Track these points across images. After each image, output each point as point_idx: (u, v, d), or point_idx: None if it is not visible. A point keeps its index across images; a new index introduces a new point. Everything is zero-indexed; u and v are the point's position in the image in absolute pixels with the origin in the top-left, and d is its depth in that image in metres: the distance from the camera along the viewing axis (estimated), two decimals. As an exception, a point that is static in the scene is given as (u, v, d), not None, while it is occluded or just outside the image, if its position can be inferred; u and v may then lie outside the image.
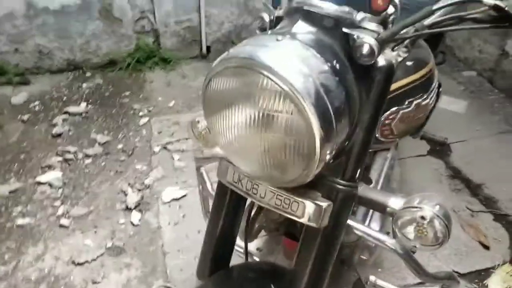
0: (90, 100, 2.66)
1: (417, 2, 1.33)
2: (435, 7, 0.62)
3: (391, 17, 0.69)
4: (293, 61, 0.54)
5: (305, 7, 0.60)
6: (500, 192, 2.05)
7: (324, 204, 0.66)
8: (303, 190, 0.67)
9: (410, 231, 0.68)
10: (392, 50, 0.68)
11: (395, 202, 0.69)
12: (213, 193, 1.14)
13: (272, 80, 0.52)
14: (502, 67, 2.74)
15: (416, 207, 0.66)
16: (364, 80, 0.61)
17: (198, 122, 0.86)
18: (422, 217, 0.65)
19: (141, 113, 2.56)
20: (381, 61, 0.61)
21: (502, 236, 1.83)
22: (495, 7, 0.62)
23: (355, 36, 0.59)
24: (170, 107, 2.64)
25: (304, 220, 0.67)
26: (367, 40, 0.58)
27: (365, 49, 0.58)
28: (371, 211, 1.22)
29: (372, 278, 0.96)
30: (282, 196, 0.67)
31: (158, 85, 2.86)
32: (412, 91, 0.89)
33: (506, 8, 0.61)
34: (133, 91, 2.78)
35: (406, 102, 0.88)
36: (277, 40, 0.56)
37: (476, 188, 2.08)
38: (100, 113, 2.55)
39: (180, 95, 2.76)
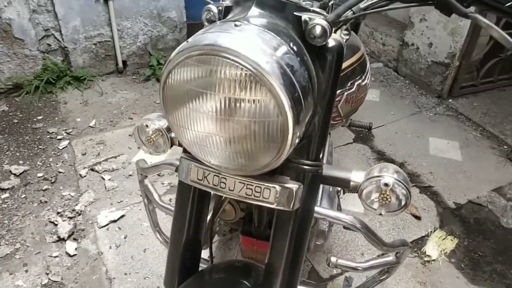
0: (-3, 130, 2.39)
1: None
2: (372, -13, 0.67)
3: (331, 2, 0.73)
4: (256, 43, 0.53)
5: (256, -5, 0.61)
6: (420, 167, 2.26)
7: (295, 186, 0.66)
8: (271, 176, 0.67)
9: (375, 200, 0.71)
10: (335, 32, 0.72)
11: (357, 176, 0.72)
12: (162, 204, 1.10)
13: (239, 63, 0.52)
14: (404, 56, 3.04)
15: (378, 176, 0.70)
16: (318, 61, 0.63)
17: (147, 126, 0.82)
18: (386, 184, 0.68)
19: (59, 137, 2.37)
20: (331, 41, 0.63)
21: (429, 205, 2.01)
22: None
23: (307, 18, 0.60)
24: (91, 127, 2.47)
25: (276, 206, 0.67)
26: (318, 22, 0.60)
27: (318, 30, 0.60)
28: (321, 192, 1.26)
29: (333, 258, 0.99)
30: (252, 185, 0.66)
31: (74, 106, 2.67)
32: (352, 73, 0.94)
33: (430, -14, 0.68)
34: (46, 114, 2.56)
35: (349, 84, 0.93)
36: (235, 25, 0.55)
37: (400, 166, 2.22)
38: (11, 142, 2.30)
39: (100, 113, 2.60)
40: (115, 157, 2.21)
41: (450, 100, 2.84)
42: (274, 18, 0.61)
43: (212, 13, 0.65)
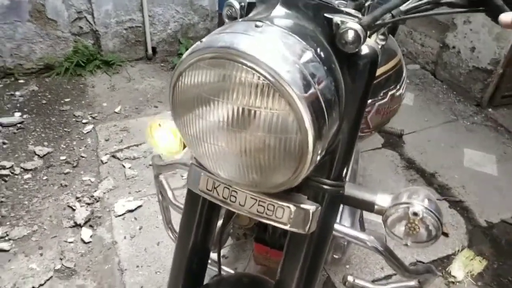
0: (25, 109, 2.42)
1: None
2: (414, -10, 0.59)
3: (367, 3, 0.64)
4: (277, 49, 0.47)
5: (283, -9, 0.54)
6: (452, 179, 2.13)
7: (312, 207, 0.60)
8: (287, 194, 0.61)
9: (401, 228, 0.64)
10: (369, 37, 0.64)
11: (383, 199, 0.65)
12: (175, 202, 1.05)
13: (256, 71, 0.45)
14: (443, 60, 2.87)
15: (406, 203, 0.62)
16: (348, 70, 0.56)
17: (160, 125, 0.77)
18: (415, 213, 0.61)
19: (84, 121, 2.37)
20: (365, 48, 0.56)
21: (459, 222, 1.89)
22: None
23: (338, 22, 0.53)
24: (116, 113, 2.47)
25: (290, 228, 0.60)
26: (352, 26, 0.52)
27: (350, 36, 0.53)
28: (341, 207, 1.19)
29: (350, 278, 0.92)
30: (265, 202, 0.60)
31: (102, 90, 2.67)
32: (386, 82, 0.86)
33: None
34: (73, 97, 2.58)
35: (381, 94, 0.85)
36: (256, 26, 0.49)
37: (430, 177, 2.14)
38: (38, 123, 2.32)
39: (126, 99, 2.60)
40: (137, 145, 2.20)
41: (490, 110, 2.66)
42: (301, 19, 0.54)
43: (233, 9, 0.59)
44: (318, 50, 0.52)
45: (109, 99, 2.59)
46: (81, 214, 1.77)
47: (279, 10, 0.54)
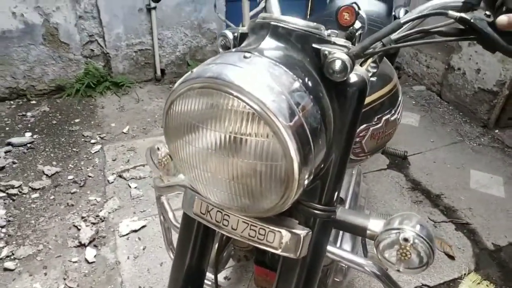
0: (36, 130, 2.48)
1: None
2: (402, 20, 0.60)
3: (358, 32, 0.66)
4: (264, 79, 0.49)
5: (273, 22, 0.56)
6: (458, 201, 2.11)
7: (303, 232, 0.61)
8: (278, 218, 0.62)
9: (393, 254, 0.64)
10: (361, 65, 0.66)
11: (375, 225, 0.65)
12: (176, 223, 1.06)
13: (242, 100, 0.47)
14: (448, 81, 2.88)
15: (398, 229, 0.62)
16: (336, 98, 0.57)
17: (158, 149, 0.79)
18: (405, 239, 0.61)
19: (93, 141, 2.42)
20: (353, 77, 0.58)
21: (465, 245, 1.86)
22: (461, 20, 0.61)
23: (326, 52, 0.55)
24: (124, 133, 2.51)
25: (281, 252, 0.61)
26: (339, 56, 0.54)
27: (338, 65, 0.54)
28: (341, 231, 1.19)
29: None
30: (256, 227, 0.61)
31: (111, 111, 2.73)
32: (380, 107, 0.87)
33: (471, 21, 0.60)
34: (83, 117, 2.64)
35: (375, 119, 0.86)
36: (245, 57, 0.51)
37: (436, 199, 2.12)
38: (47, 143, 2.37)
39: (134, 119, 2.65)
40: (143, 165, 2.22)
41: (497, 131, 2.65)
42: (289, 49, 0.56)
43: (227, 39, 0.61)
44: (306, 79, 0.54)
45: (117, 119, 2.64)
46: (86, 233, 1.78)
47: (268, 41, 0.56)
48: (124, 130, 2.53)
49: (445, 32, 0.65)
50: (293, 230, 0.60)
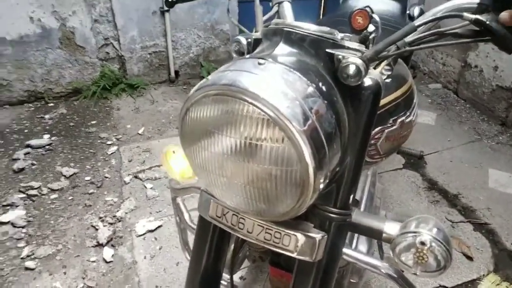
0: (54, 132, 2.53)
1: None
2: (417, 23, 0.60)
3: (372, 35, 0.66)
4: (278, 85, 0.49)
5: (286, 28, 0.57)
6: (476, 200, 2.08)
7: (318, 236, 0.61)
8: (294, 221, 0.62)
9: (409, 257, 0.64)
10: (374, 68, 0.65)
11: (391, 228, 0.65)
12: (192, 224, 1.08)
13: (257, 107, 0.48)
14: (465, 79, 2.83)
15: (414, 232, 0.62)
16: (351, 102, 0.58)
17: (174, 152, 0.80)
18: (422, 243, 0.61)
19: (109, 142, 2.46)
20: (368, 80, 0.57)
21: (484, 245, 1.83)
22: (476, 22, 0.61)
23: (340, 57, 0.55)
24: (139, 134, 2.55)
25: (297, 255, 0.61)
26: (353, 60, 0.54)
27: (352, 70, 0.54)
28: (356, 232, 1.18)
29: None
30: (272, 230, 0.62)
31: (126, 112, 2.77)
32: (395, 109, 0.86)
33: (487, 22, 0.60)
34: (99, 119, 2.68)
35: (391, 121, 0.86)
36: (259, 64, 0.51)
37: (453, 199, 2.09)
38: (65, 145, 2.42)
39: (149, 121, 2.68)
40: (158, 166, 2.25)
41: (516, 129, 2.59)
42: (303, 55, 0.56)
43: (241, 45, 0.62)
44: (320, 84, 0.54)
45: (133, 121, 2.68)
46: (104, 233, 1.82)
47: (282, 48, 0.57)
48: (140, 131, 2.56)
49: (460, 34, 0.64)
50: (309, 234, 0.61)
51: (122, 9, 2.67)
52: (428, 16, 0.62)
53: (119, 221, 1.90)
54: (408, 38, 0.62)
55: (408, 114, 0.91)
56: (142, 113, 2.76)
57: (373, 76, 0.58)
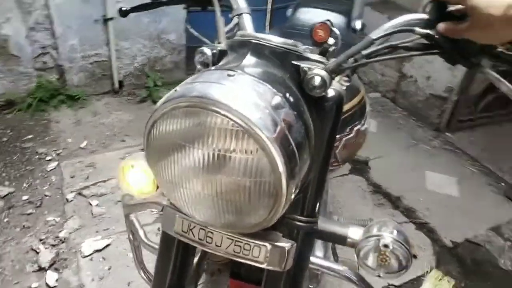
0: (-15, 148, 2.33)
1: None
2: (373, 37, 0.63)
3: (331, 48, 0.69)
4: (249, 96, 0.49)
5: (254, 41, 0.57)
6: (416, 202, 2.21)
7: (287, 245, 0.61)
8: (262, 232, 0.62)
9: (373, 260, 0.66)
10: (334, 79, 0.68)
11: (354, 233, 0.67)
12: (147, 241, 1.04)
13: (229, 118, 0.47)
14: (402, 88, 3.03)
15: (377, 235, 0.65)
16: (316, 112, 0.59)
17: (132, 166, 0.77)
18: (385, 245, 0.63)
19: (48, 158, 2.30)
20: (331, 91, 0.60)
21: (426, 243, 1.96)
22: (426, 36, 0.65)
23: (305, 68, 0.57)
24: (82, 148, 2.41)
25: (267, 266, 0.61)
26: (318, 72, 0.56)
27: (317, 81, 0.56)
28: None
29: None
30: (241, 242, 0.61)
31: (66, 125, 2.61)
32: (351, 118, 0.90)
33: (436, 37, 0.65)
34: (36, 133, 2.50)
35: (347, 129, 0.89)
36: (229, 75, 0.51)
37: (396, 201, 2.21)
38: (-2, 162, 2.23)
39: (92, 134, 2.55)
40: (104, 181, 2.15)
41: (448, 134, 2.81)
42: (270, 66, 0.57)
43: (205, 56, 0.61)
44: (287, 95, 0.55)
45: (74, 134, 2.53)
46: (46, 256, 1.69)
47: (250, 59, 0.57)
48: (82, 145, 2.43)
49: (411, 47, 0.69)
50: (278, 244, 0.61)
51: (61, 16, 2.53)
52: (383, 30, 0.66)
53: (63, 242, 1.78)
54: (365, 51, 0.65)
55: (362, 122, 0.95)
56: (84, 126, 2.62)
57: (336, 87, 0.61)
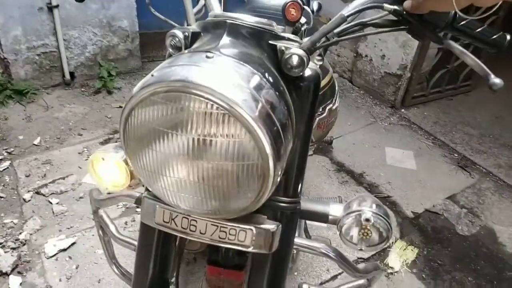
0: None
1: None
2: (346, 13, 0.63)
3: (304, 27, 0.68)
4: (232, 78, 0.48)
5: (229, 21, 0.55)
6: (378, 177, 2.30)
7: (273, 227, 0.61)
8: (247, 216, 0.61)
9: (355, 235, 0.68)
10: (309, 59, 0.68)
11: (335, 210, 0.68)
12: (119, 236, 1.00)
13: (213, 102, 0.46)
14: (358, 67, 3.10)
15: (357, 211, 0.66)
16: (295, 92, 0.59)
17: (103, 159, 0.73)
18: (367, 219, 0.65)
19: (-1, 157, 2.16)
20: (308, 71, 0.59)
21: (390, 216, 2.04)
22: (395, 12, 0.66)
23: (283, 48, 0.56)
24: (36, 145, 2.28)
25: (253, 249, 0.61)
26: (295, 51, 0.55)
27: (295, 60, 0.55)
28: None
29: (305, 286, 0.95)
30: (226, 227, 0.60)
31: (16, 122, 2.45)
32: (323, 98, 0.91)
33: (404, 13, 0.66)
34: (-17, 132, 2.34)
35: (320, 109, 0.90)
36: (207, 57, 0.49)
37: (359, 177, 2.29)
38: None
39: (45, 129, 2.42)
40: (63, 178, 2.05)
41: (403, 110, 2.92)
42: (247, 47, 0.56)
43: (177, 39, 0.59)
44: (267, 75, 0.54)
45: (25, 131, 2.38)
46: (7, 261, 1.60)
47: (226, 40, 0.55)
48: (35, 142, 2.30)
49: (380, 24, 0.70)
50: (264, 226, 0.61)
51: (0, 5, 2.35)
52: (354, 7, 0.66)
53: (24, 245, 1.69)
54: (336, 30, 0.66)
55: (334, 101, 0.96)
56: (36, 122, 2.48)
57: (313, 67, 0.60)
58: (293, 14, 0.62)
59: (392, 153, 2.51)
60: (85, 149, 2.28)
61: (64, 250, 1.68)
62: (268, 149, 0.48)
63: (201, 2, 0.75)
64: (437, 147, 2.61)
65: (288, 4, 0.62)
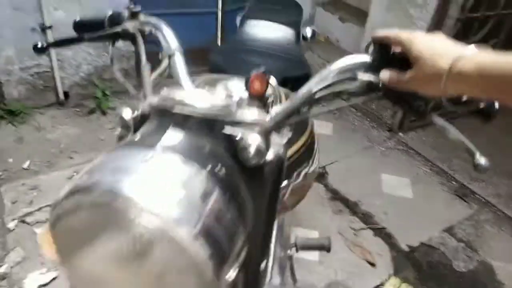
0: None
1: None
2: (314, 90, 0.59)
3: (270, 100, 0.64)
4: (169, 187, 0.43)
5: (176, 111, 0.51)
6: (373, 206, 2.24)
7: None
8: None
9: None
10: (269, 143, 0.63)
11: None
12: None
13: (143, 217, 0.41)
14: (356, 89, 3.04)
15: None
16: (254, 180, 0.54)
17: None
18: None
19: (-14, 182, 2.12)
20: (270, 155, 0.54)
21: (383, 249, 1.98)
22: (370, 84, 0.62)
23: (238, 138, 0.51)
24: (25, 169, 2.25)
25: None
26: (252, 141, 0.51)
27: (252, 151, 0.51)
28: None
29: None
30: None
31: (6, 143, 2.42)
32: (297, 162, 0.85)
33: (380, 86, 0.62)
34: (-28, 154, 2.31)
35: (295, 175, 0.85)
36: (145, 160, 0.44)
37: (354, 206, 2.22)
38: None
39: (36, 152, 2.38)
40: (49, 206, 2.00)
41: (401, 134, 2.86)
42: (197, 139, 0.51)
43: (125, 123, 0.54)
44: (217, 169, 0.49)
45: (15, 153, 2.35)
46: (-15, 297, 1.56)
47: (172, 133, 0.50)
48: (25, 166, 2.26)
49: (354, 92, 0.66)
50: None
51: (-8, 26, 2.33)
52: (323, 78, 0.61)
53: (3, 279, 1.65)
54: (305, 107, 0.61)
55: (311, 163, 0.91)
56: (27, 143, 2.44)
57: (275, 148, 0.55)
58: (257, 88, 0.58)
59: (388, 180, 2.44)
60: (75, 173, 2.24)
61: (45, 285, 1.64)
62: (206, 265, 0.43)
63: (165, 63, 0.70)
64: (435, 174, 2.54)
65: (252, 77, 0.58)
